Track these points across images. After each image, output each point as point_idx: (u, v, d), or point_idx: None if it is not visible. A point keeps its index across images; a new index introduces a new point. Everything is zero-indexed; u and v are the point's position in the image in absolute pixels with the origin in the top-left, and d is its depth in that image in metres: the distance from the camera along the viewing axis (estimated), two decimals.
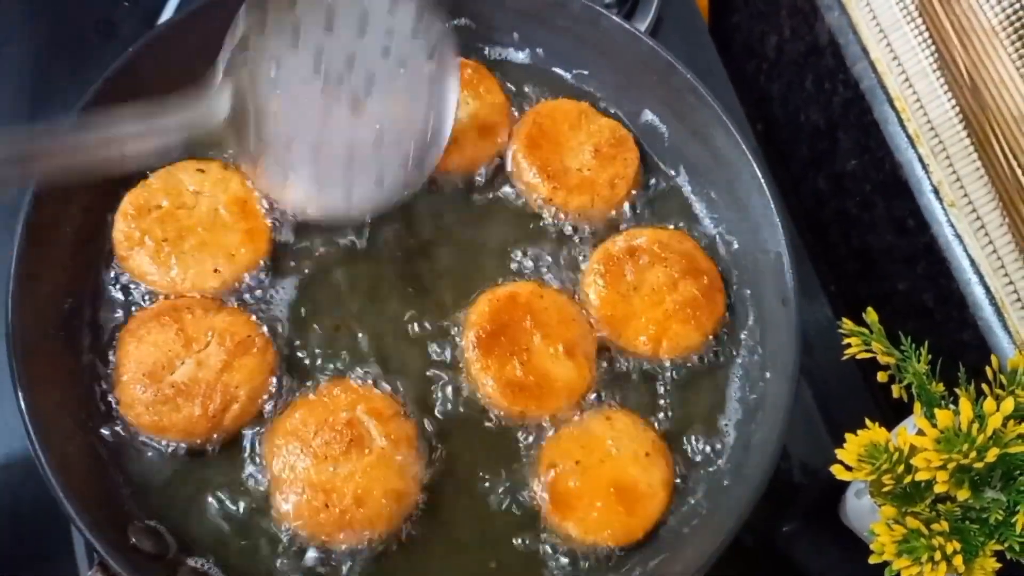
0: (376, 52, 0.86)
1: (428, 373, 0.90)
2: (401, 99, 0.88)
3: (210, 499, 0.83)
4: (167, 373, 0.83)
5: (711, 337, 0.94)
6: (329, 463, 0.82)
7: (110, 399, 0.85)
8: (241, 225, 0.91)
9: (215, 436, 0.84)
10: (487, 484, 0.86)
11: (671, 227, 1.00)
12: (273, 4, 0.82)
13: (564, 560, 0.85)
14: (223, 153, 0.94)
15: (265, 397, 0.86)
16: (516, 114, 1.03)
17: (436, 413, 0.89)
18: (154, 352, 0.84)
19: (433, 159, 0.92)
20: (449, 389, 0.89)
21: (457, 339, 0.91)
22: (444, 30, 0.89)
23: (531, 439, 0.88)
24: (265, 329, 0.88)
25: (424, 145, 0.91)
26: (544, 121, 1.01)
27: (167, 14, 1.14)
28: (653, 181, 1.03)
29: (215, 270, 0.88)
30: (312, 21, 0.83)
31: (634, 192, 1.01)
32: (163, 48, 0.93)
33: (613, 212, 1.00)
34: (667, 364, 0.93)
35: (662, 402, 0.92)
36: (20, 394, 0.78)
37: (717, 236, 1.00)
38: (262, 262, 0.91)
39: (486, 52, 1.06)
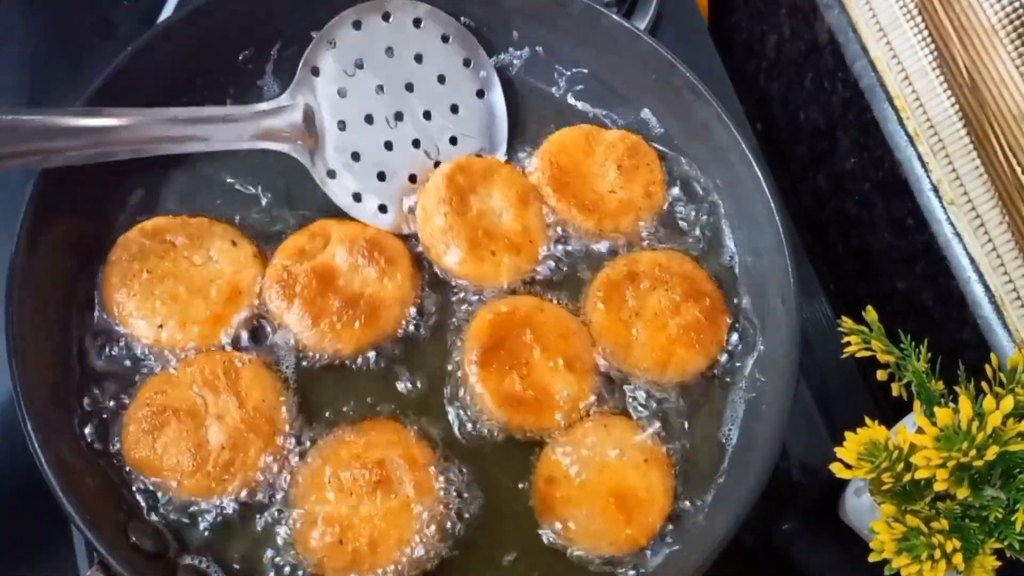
0: (431, 84, 0.98)
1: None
2: (454, 124, 0.99)
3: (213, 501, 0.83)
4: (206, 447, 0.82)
5: (716, 358, 0.93)
6: (352, 500, 0.81)
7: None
8: (217, 308, 0.88)
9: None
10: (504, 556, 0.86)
11: (679, 232, 1.00)
12: (340, 38, 0.94)
13: None
14: (267, 238, 0.94)
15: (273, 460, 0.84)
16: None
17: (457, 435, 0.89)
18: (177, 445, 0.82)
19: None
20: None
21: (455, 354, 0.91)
22: (493, 72, 1.02)
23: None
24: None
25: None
26: (559, 158, 0.99)
27: (166, 13, 1.13)
28: (679, 188, 1.02)
29: (159, 325, 0.87)
30: (374, 53, 0.96)
31: (670, 193, 1.01)
32: (162, 48, 0.93)
33: (658, 217, 1.00)
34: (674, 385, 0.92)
35: (661, 405, 0.92)
36: (19, 392, 0.78)
37: (718, 236, 1.00)
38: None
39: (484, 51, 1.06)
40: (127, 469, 0.83)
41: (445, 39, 0.99)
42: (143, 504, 0.82)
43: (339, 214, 0.94)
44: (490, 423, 0.88)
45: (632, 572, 0.85)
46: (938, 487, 0.67)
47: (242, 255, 0.91)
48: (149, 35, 0.93)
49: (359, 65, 0.95)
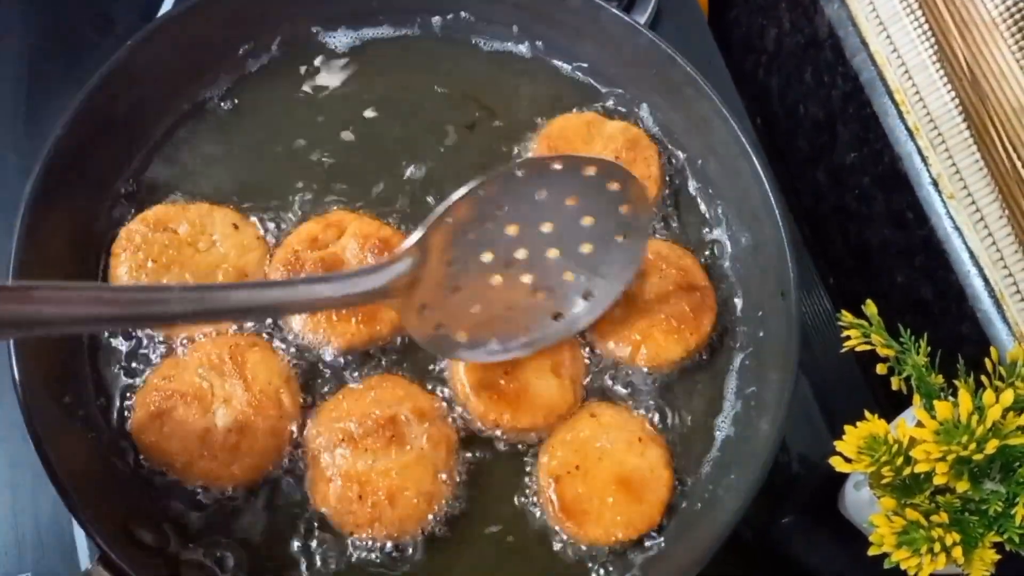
0: (568, 222, 0.83)
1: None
2: (577, 270, 0.86)
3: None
4: (208, 434, 0.82)
5: (692, 354, 0.93)
6: (368, 456, 0.82)
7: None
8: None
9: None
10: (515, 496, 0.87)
11: (679, 225, 1.00)
12: (486, 192, 0.77)
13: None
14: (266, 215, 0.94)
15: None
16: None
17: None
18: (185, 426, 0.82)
19: (581, 326, 0.89)
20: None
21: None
22: (648, 219, 0.89)
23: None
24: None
25: (579, 313, 0.89)
26: (557, 143, 0.99)
27: (165, 8, 1.13)
28: (679, 182, 1.03)
29: None
30: (521, 199, 0.80)
31: (667, 189, 1.00)
32: (161, 43, 0.93)
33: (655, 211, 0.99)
34: (644, 371, 0.92)
35: (656, 398, 0.92)
36: (19, 389, 0.78)
37: (717, 230, 1.00)
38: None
39: (484, 45, 1.06)
40: (133, 464, 0.83)
41: (610, 181, 0.81)
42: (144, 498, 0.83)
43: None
44: (470, 417, 0.88)
45: (630, 568, 0.85)
46: (938, 481, 0.67)
47: (245, 238, 0.91)
48: (147, 30, 0.92)
49: (499, 208, 0.80)
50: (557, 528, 0.85)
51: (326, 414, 0.85)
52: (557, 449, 0.87)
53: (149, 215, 0.90)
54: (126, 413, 0.85)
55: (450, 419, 0.87)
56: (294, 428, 0.85)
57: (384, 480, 0.81)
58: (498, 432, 0.88)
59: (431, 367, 0.90)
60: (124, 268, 0.88)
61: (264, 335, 0.88)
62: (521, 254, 0.83)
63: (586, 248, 0.85)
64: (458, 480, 0.85)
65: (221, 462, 0.81)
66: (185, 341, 0.87)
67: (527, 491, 0.87)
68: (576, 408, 0.89)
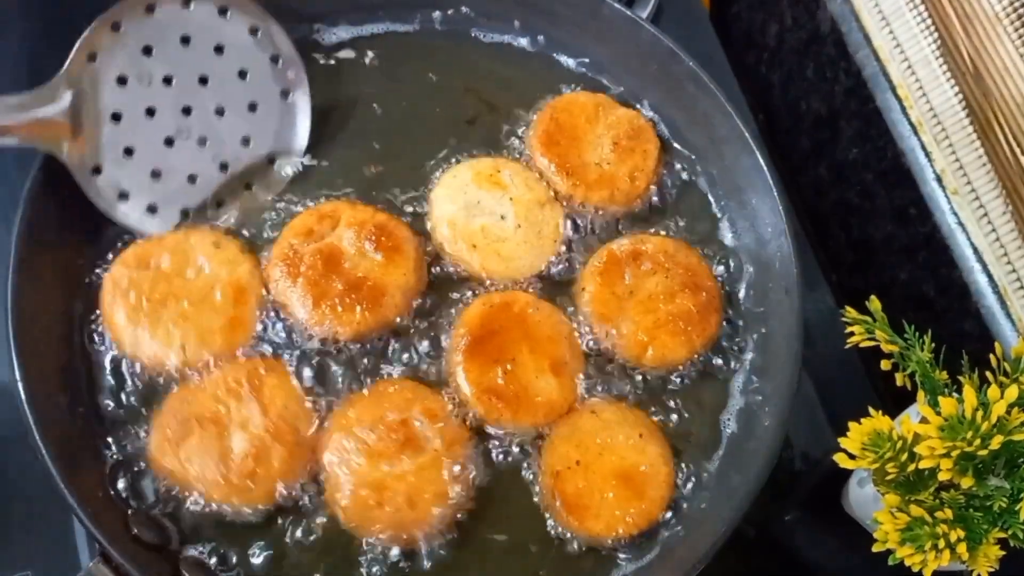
0: (229, 79, 0.89)
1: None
2: (249, 124, 0.92)
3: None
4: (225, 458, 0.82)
5: (697, 354, 0.92)
6: (383, 461, 0.81)
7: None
8: (229, 311, 0.87)
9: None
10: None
11: (682, 222, 1.00)
12: (128, 21, 0.84)
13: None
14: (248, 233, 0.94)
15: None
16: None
17: None
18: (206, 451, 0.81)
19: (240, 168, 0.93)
20: None
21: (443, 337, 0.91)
22: (302, 70, 0.93)
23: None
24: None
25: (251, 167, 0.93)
26: (561, 116, 0.99)
27: None
28: (682, 177, 1.02)
29: (182, 347, 0.85)
30: (167, 41, 0.85)
31: (654, 186, 1.00)
32: None
33: (636, 205, 0.99)
34: (650, 373, 0.92)
35: (658, 394, 0.92)
36: (19, 385, 0.78)
37: (720, 226, 1.00)
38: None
39: (485, 39, 1.06)
40: (133, 464, 0.83)
41: (254, 31, 0.90)
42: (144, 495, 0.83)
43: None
44: (471, 412, 0.87)
45: (633, 566, 0.85)
46: (942, 477, 0.66)
47: (229, 254, 0.90)
48: None
49: (147, 52, 0.85)
50: (560, 525, 0.85)
51: (336, 422, 0.84)
52: (558, 445, 0.86)
53: (128, 256, 0.88)
54: (125, 400, 0.85)
55: (460, 416, 0.86)
56: (311, 453, 0.84)
57: (401, 484, 0.81)
58: (500, 430, 0.87)
59: (425, 367, 0.90)
60: (121, 314, 0.85)
61: (281, 354, 0.88)
62: (191, 117, 0.87)
63: (252, 107, 0.91)
64: (473, 479, 0.84)
65: (238, 487, 0.80)
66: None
67: (534, 491, 0.86)
68: (575, 405, 0.89)
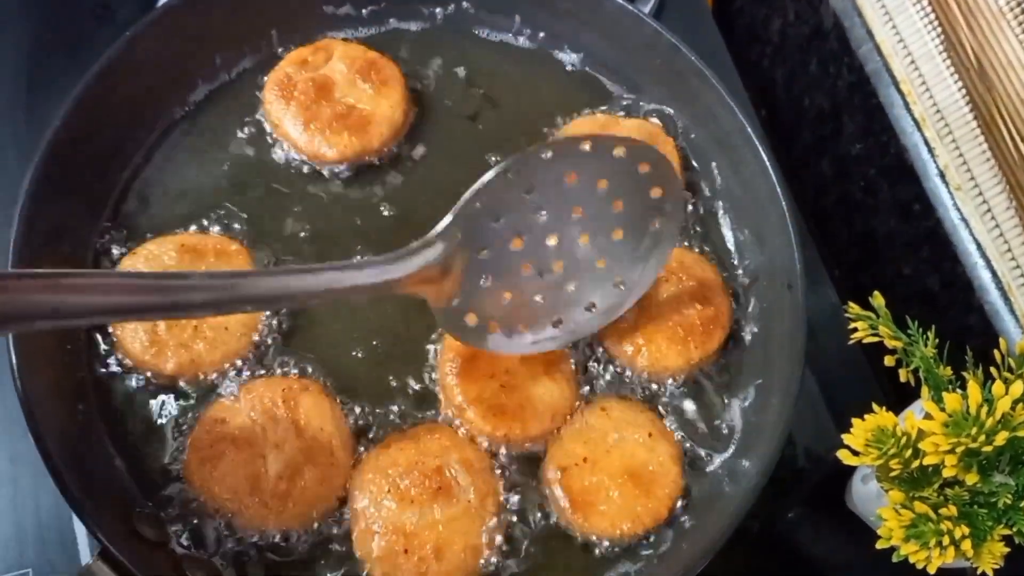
0: (599, 207, 0.80)
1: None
2: (607, 257, 0.84)
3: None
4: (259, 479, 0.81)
5: (693, 367, 0.91)
6: (414, 508, 0.80)
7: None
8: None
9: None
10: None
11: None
12: (517, 170, 0.76)
13: None
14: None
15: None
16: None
17: None
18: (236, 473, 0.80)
19: (614, 315, 0.87)
20: None
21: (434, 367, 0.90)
22: (680, 205, 0.84)
23: None
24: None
25: (612, 303, 0.86)
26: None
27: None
28: (684, 172, 1.01)
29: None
30: (550, 180, 0.78)
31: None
32: (161, 32, 0.93)
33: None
34: (644, 376, 0.91)
35: (662, 390, 0.91)
36: (19, 384, 0.77)
37: (721, 222, 1.00)
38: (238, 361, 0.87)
39: (486, 35, 1.05)
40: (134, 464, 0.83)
41: (641, 162, 0.79)
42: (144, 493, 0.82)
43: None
44: (479, 436, 0.86)
45: (634, 564, 0.85)
46: (946, 473, 0.66)
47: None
48: (148, 19, 0.92)
49: (528, 191, 0.78)
50: (563, 521, 0.84)
51: (371, 463, 0.83)
52: (566, 441, 0.86)
53: (126, 265, 0.88)
54: (125, 397, 0.85)
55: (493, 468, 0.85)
56: (344, 476, 0.83)
57: (431, 533, 0.80)
58: (504, 448, 0.86)
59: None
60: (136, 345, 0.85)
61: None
62: (552, 241, 0.81)
63: (617, 234, 0.82)
64: (503, 535, 0.83)
65: (271, 509, 0.79)
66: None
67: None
68: (577, 402, 0.88)
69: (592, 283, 0.85)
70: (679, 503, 0.86)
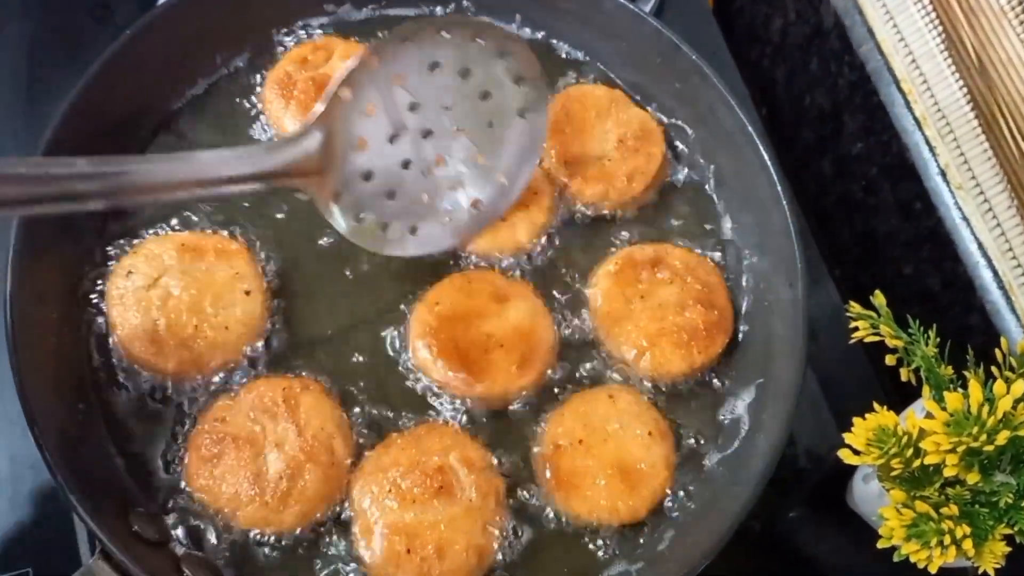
0: (470, 103, 0.85)
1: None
2: (485, 151, 0.88)
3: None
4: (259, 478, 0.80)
5: (696, 372, 0.91)
6: (416, 507, 0.80)
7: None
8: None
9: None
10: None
11: (684, 212, 0.99)
12: (383, 53, 0.79)
13: None
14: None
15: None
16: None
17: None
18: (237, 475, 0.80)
19: (501, 210, 0.91)
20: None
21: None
22: (544, 92, 0.89)
23: None
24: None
25: (495, 197, 0.90)
26: (573, 105, 0.99)
27: None
28: (685, 171, 1.02)
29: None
30: (417, 69, 0.82)
31: (651, 190, 0.99)
32: (159, 32, 0.93)
33: (630, 205, 0.98)
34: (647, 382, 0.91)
35: (666, 387, 0.91)
36: (19, 382, 0.77)
37: (722, 221, 1.00)
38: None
39: None
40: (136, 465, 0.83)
41: (502, 55, 0.85)
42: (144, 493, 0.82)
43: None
44: (444, 392, 0.87)
45: (634, 563, 0.85)
46: (948, 472, 0.66)
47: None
48: (146, 19, 0.92)
49: (395, 80, 0.82)
50: (541, 498, 0.84)
51: (373, 463, 0.83)
52: (567, 417, 0.86)
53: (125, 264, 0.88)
54: (125, 396, 0.85)
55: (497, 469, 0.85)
56: (345, 476, 0.83)
57: (433, 533, 0.79)
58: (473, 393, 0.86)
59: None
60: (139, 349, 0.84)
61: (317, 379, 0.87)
62: (429, 138, 0.85)
63: (490, 127, 0.87)
64: (506, 534, 0.83)
65: (271, 508, 0.79)
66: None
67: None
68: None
69: (473, 180, 0.89)
70: (674, 504, 0.86)
